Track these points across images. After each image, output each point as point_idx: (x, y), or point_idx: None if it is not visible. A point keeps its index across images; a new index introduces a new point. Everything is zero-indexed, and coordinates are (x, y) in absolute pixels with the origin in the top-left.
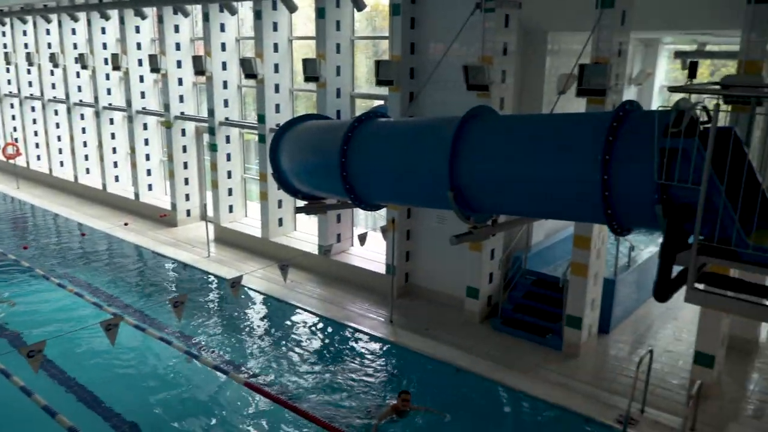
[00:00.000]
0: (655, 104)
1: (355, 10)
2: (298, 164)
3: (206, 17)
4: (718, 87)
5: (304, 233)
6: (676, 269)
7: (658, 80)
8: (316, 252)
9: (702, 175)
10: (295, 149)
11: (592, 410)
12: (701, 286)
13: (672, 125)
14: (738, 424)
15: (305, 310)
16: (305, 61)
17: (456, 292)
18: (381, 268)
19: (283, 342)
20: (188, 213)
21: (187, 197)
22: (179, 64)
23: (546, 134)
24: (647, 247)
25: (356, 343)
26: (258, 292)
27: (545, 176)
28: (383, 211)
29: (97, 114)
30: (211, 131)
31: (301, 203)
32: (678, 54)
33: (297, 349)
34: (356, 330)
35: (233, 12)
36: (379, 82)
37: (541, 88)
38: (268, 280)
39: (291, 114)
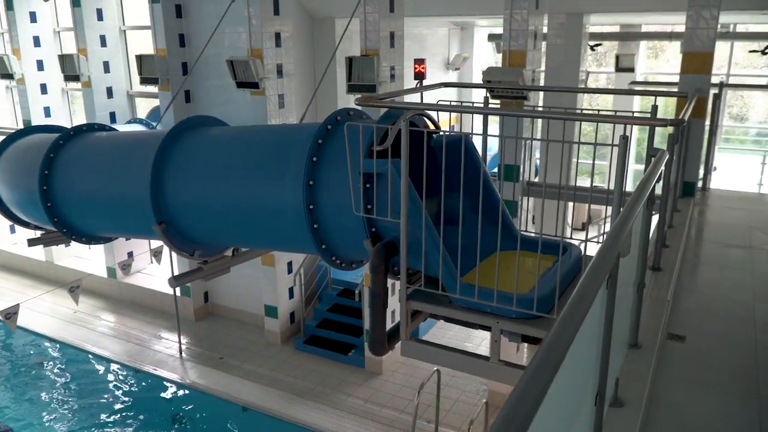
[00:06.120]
0: None
1: None
2: (10, 192)
3: None
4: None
5: (97, 252)
6: None
7: (477, 64)
8: (105, 275)
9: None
10: (7, 173)
11: None
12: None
13: (381, 141)
14: None
15: (85, 352)
16: (62, 58)
17: (259, 310)
18: (177, 289)
19: (55, 397)
20: None
21: None
22: None
23: (251, 153)
24: None
25: (141, 388)
26: (32, 332)
27: (252, 205)
28: None
29: None
30: None
31: (36, 233)
32: (491, 36)
33: (67, 404)
34: (139, 371)
35: None
36: (144, 80)
37: (335, 78)
38: (46, 313)
39: (68, 118)
